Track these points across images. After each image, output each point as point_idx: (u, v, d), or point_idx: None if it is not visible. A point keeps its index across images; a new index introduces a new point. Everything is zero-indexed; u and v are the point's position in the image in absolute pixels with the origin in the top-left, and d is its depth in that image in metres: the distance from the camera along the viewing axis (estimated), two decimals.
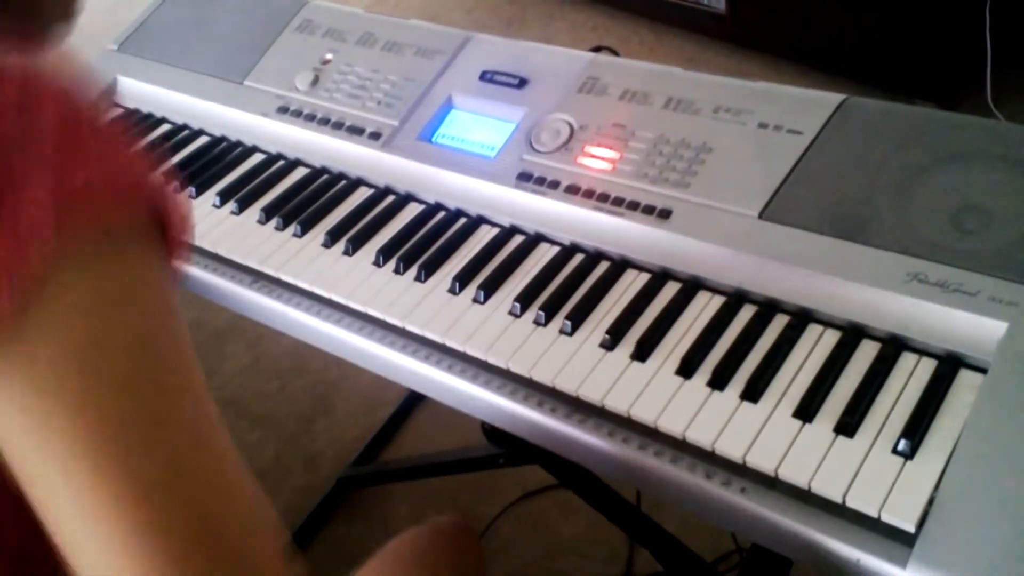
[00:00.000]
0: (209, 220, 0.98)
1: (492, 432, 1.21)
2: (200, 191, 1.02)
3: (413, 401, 1.70)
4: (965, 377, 0.66)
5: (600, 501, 1.22)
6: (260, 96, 1.09)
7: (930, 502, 0.59)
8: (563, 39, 2.48)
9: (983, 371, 0.65)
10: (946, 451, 0.61)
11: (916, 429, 0.63)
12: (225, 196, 1.00)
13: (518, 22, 2.52)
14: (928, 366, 0.67)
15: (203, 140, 1.11)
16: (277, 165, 1.04)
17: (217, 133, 1.11)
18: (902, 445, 0.62)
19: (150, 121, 1.16)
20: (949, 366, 0.66)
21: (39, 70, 0.42)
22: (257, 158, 1.06)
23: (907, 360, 0.68)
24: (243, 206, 0.98)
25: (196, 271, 0.95)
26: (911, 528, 0.58)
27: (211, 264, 0.95)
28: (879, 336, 0.70)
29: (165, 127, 1.14)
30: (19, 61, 0.42)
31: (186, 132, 1.12)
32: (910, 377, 0.67)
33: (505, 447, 1.21)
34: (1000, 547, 0.56)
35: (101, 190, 0.42)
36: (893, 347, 0.69)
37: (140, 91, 1.19)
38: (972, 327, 0.66)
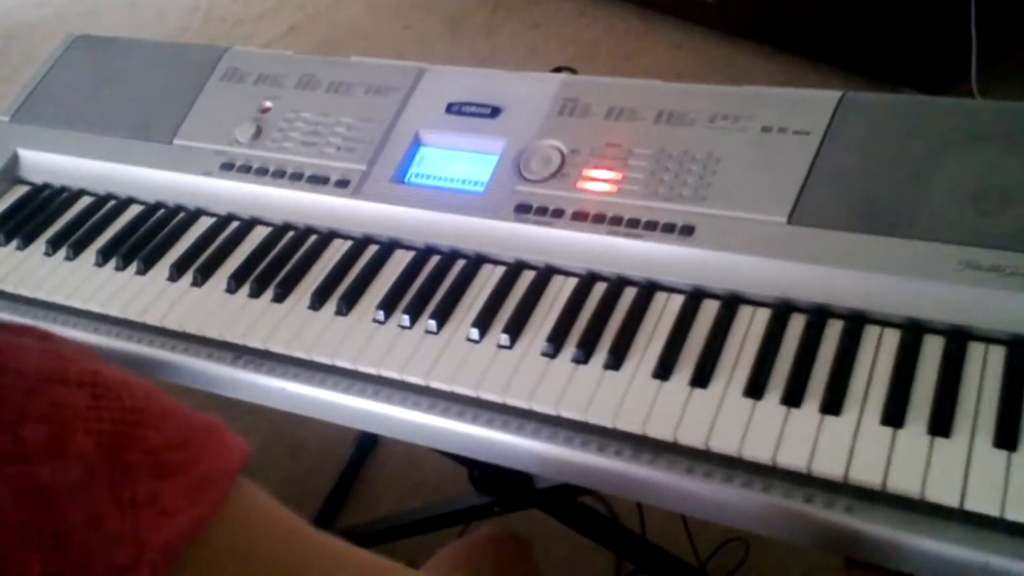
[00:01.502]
0: (168, 297, 0.87)
1: (481, 480, 1.14)
2: (148, 266, 0.91)
3: (362, 457, 1.62)
4: None
5: (603, 534, 1.17)
6: (196, 154, 0.99)
7: None
8: (550, 27, 2.43)
9: None
10: None
11: (1011, 417, 0.61)
12: (180, 268, 0.90)
13: (504, 9, 2.43)
14: (998, 353, 0.66)
15: (136, 209, 0.99)
16: (232, 227, 0.94)
17: (151, 200, 1.00)
18: (1002, 437, 0.60)
19: (65, 196, 1.03)
20: (1020, 349, 0.65)
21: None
22: (206, 222, 0.95)
23: (975, 350, 0.67)
24: (205, 276, 0.88)
25: (161, 353, 0.84)
26: None
27: (179, 345, 0.84)
28: (941, 329, 0.68)
29: (86, 200, 1.02)
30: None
31: (113, 203, 1.01)
32: (984, 366, 0.66)
33: (495, 495, 1.15)
34: None
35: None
36: (958, 339, 0.67)
37: (46, 163, 1.06)
38: None
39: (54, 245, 0.96)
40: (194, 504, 0.35)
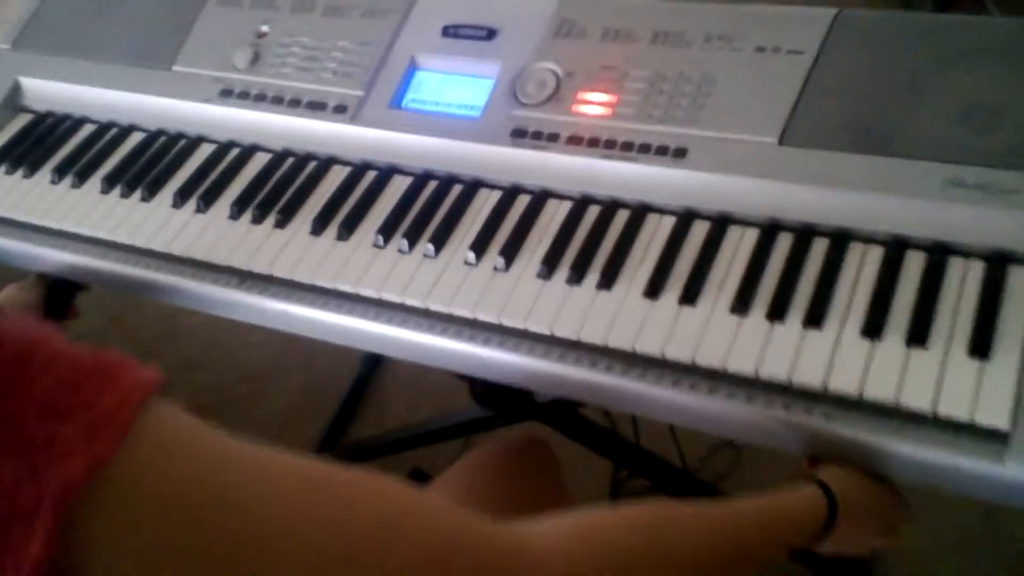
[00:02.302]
0: (173, 223, 0.90)
1: (483, 395, 1.18)
2: (152, 193, 0.93)
3: (369, 375, 1.66)
4: (1017, 273, 0.67)
5: (601, 443, 1.22)
6: (195, 81, 1.00)
7: (1015, 398, 0.60)
8: None
9: None
10: (1019, 346, 0.63)
11: (985, 329, 0.64)
12: (184, 195, 0.91)
13: None
14: (978, 267, 0.68)
15: (138, 137, 1.01)
16: (232, 154, 0.96)
17: (152, 127, 1.01)
18: (976, 347, 0.63)
19: (68, 124, 1.05)
20: (999, 264, 0.67)
21: None
22: (207, 149, 0.97)
23: (955, 264, 0.69)
24: (208, 203, 0.90)
25: (168, 279, 0.87)
26: (1005, 426, 0.59)
27: (186, 270, 0.87)
28: (923, 245, 0.70)
29: (89, 128, 1.03)
30: None
31: (115, 131, 1.02)
32: (964, 280, 0.68)
33: (496, 408, 1.19)
34: None
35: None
36: (939, 254, 0.69)
37: (49, 91, 1.07)
38: (1018, 223, 0.67)
39: (59, 173, 0.98)
40: (93, 442, 0.35)
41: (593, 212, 0.80)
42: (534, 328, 0.74)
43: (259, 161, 0.94)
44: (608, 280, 0.74)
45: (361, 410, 1.63)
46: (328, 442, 1.57)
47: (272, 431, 1.60)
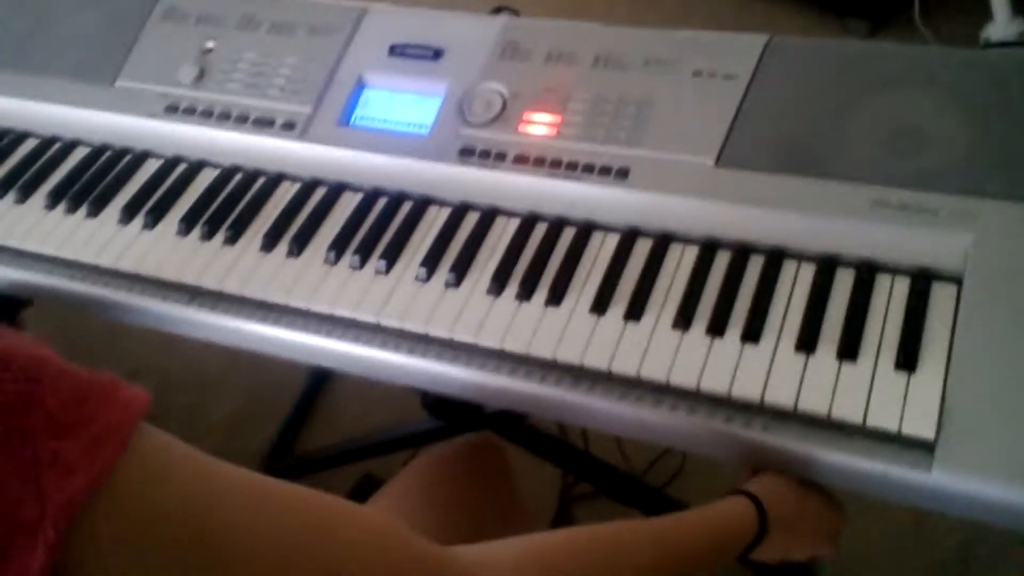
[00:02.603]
0: (120, 240, 0.89)
1: (434, 405, 1.20)
2: (98, 209, 0.92)
3: (318, 385, 1.66)
4: (940, 289, 0.71)
5: (550, 451, 1.24)
6: (139, 96, 1.00)
7: (940, 409, 0.64)
8: None
9: (955, 280, 0.71)
10: (943, 359, 0.67)
11: (911, 343, 0.68)
12: (131, 211, 0.91)
13: None
14: (903, 284, 0.72)
15: (83, 152, 1.00)
16: (180, 169, 0.96)
17: (97, 142, 1.00)
18: (903, 360, 0.67)
19: (10, 137, 1.03)
20: (923, 281, 0.72)
21: None
22: (153, 164, 0.97)
23: (883, 281, 0.73)
24: (156, 219, 0.90)
25: (116, 295, 0.87)
26: (931, 436, 0.63)
27: (135, 286, 0.87)
28: (852, 263, 0.74)
29: (31, 143, 1.02)
30: None
31: (58, 145, 1.01)
32: (890, 297, 0.72)
33: (447, 418, 1.21)
34: (1013, 436, 0.62)
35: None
36: (867, 271, 0.74)
37: None
38: (939, 242, 0.71)
39: (2, 189, 0.96)
40: (94, 459, 0.37)
41: (541, 229, 0.83)
42: (485, 343, 0.76)
43: (207, 177, 0.95)
44: (556, 296, 0.77)
45: (310, 419, 1.63)
46: (277, 452, 1.57)
47: (218, 440, 1.59)
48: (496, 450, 0.97)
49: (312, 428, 1.62)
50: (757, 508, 0.66)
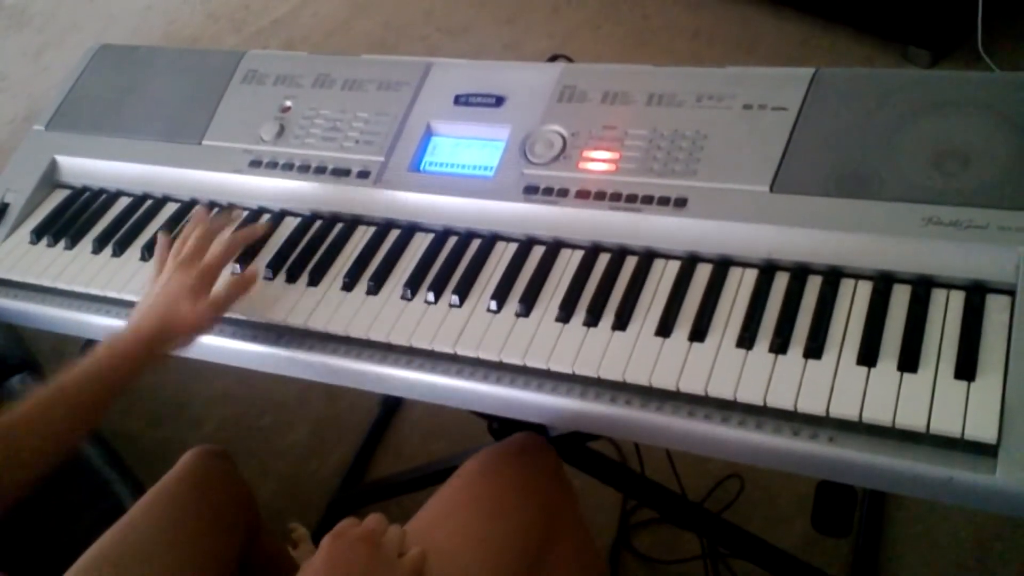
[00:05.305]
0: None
1: (499, 430, 1.23)
2: None
3: (389, 414, 1.72)
4: (994, 301, 0.74)
5: (611, 476, 1.27)
6: (225, 153, 1.07)
7: (1001, 414, 0.67)
8: None
9: (1008, 292, 0.73)
10: (1001, 366, 0.69)
11: (969, 352, 0.70)
12: None
13: None
14: (958, 298, 0.75)
15: (173, 207, 1.08)
16: (263, 219, 1.03)
17: (186, 197, 1.08)
18: (962, 369, 0.69)
19: (105, 197, 1.12)
20: (977, 294, 0.74)
21: None
22: (239, 216, 1.04)
23: (938, 296, 0.76)
24: (243, 264, 0.97)
25: (209, 339, 0.93)
26: (993, 438, 0.66)
27: (225, 329, 0.93)
28: (908, 279, 0.77)
29: (124, 201, 1.11)
30: None
31: (150, 202, 1.09)
32: (946, 310, 0.74)
33: None
34: None
35: None
36: (923, 287, 0.76)
37: (84, 167, 1.14)
38: (991, 255, 0.74)
39: (100, 243, 1.04)
40: None
41: (604, 259, 0.87)
42: (556, 368, 0.80)
43: (289, 225, 1.01)
44: (622, 321, 0.81)
45: (379, 447, 1.68)
46: (352, 477, 1.62)
47: (292, 461, 1.66)
48: (545, 448, 0.99)
49: (382, 455, 1.67)
50: None
